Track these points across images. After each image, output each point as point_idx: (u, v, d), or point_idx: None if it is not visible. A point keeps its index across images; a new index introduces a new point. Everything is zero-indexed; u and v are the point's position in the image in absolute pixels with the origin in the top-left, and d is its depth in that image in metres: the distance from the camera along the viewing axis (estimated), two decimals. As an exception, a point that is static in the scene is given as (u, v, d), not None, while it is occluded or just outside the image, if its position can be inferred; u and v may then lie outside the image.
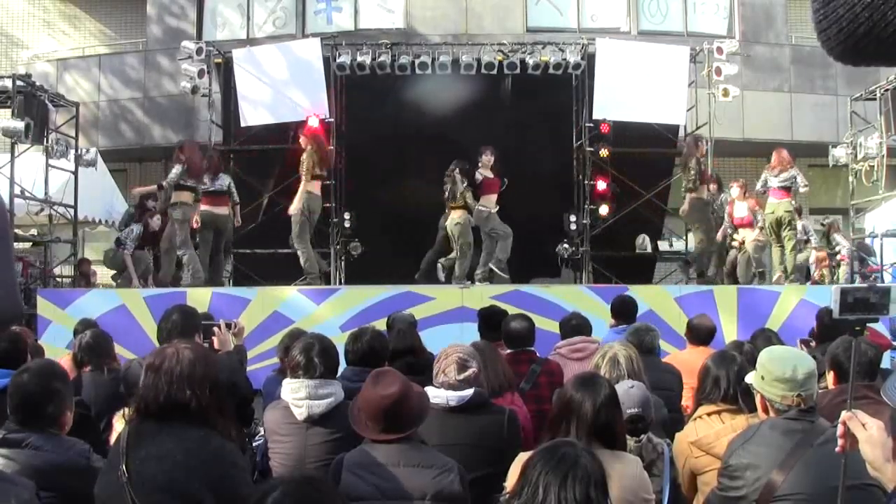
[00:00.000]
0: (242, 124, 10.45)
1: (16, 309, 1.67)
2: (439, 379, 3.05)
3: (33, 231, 10.66)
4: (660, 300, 7.73)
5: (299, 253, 8.63)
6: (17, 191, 9.06)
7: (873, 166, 10.13)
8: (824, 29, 0.89)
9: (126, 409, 2.52)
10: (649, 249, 11.77)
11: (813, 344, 4.94)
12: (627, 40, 11.87)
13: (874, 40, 0.85)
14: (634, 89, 10.29)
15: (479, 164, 9.02)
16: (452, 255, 9.10)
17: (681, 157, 9.64)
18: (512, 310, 5.10)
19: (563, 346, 4.54)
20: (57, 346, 6.60)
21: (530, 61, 10.72)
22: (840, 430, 1.75)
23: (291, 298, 7.90)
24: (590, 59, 10.64)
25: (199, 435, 2.14)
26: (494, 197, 9.02)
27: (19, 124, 8.71)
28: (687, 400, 4.01)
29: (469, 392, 2.99)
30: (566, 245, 10.92)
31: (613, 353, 3.28)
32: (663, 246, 12.19)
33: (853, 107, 10.83)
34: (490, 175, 9.04)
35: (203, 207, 8.67)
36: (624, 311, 5.26)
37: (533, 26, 12.98)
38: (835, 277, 10.47)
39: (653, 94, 10.34)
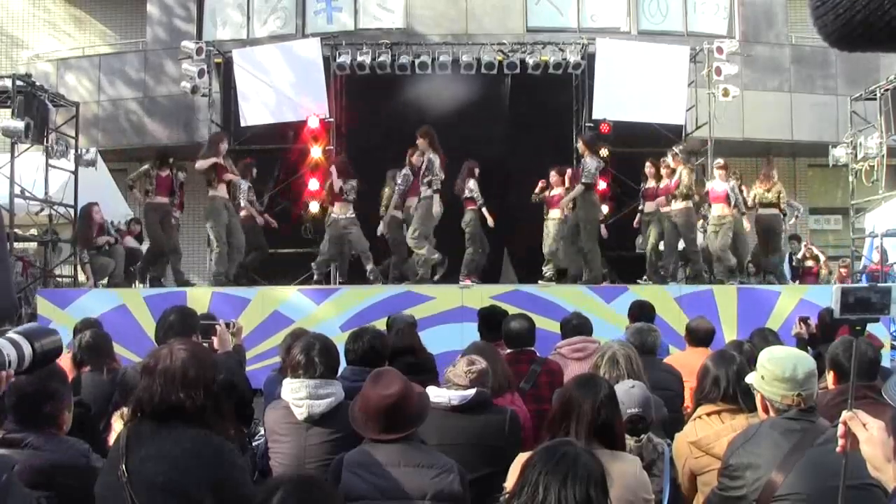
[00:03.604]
0: (242, 124, 10.46)
1: (9, 306, 1.70)
2: (448, 376, 3.06)
3: (33, 231, 10.66)
4: (660, 300, 7.72)
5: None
6: (17, 191, 9.06)
7: (873, 166, 10.14)
8: (821, 15, 0.89)
9: (125, 409, 2.52)
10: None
11: (811, 322, 4.98)
12: (627, 40, 11.87)
13: (870, 28, 0.85)
14: (634, 89, 10.30)
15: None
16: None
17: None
18: (512, 310, 5.11)
19: (563, 346, 4.54)
20: (57, 345, 6.58)
21: (530, 61, 10.74)
22: (841, 429, 1.75)
23: (291, 298, 7.90)
24: (590, 59, 10.65)
25: (198, 435, 2.13)
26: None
27: (19, 124, 8.72)
28: (687, 400, 4.01)
29: (471, 392, 2.99)
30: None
31: (612, 353, 3.28)
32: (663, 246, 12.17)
33: (853, 107, 10.84)
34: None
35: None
36: (643, 315, 5.26)
37: (533, 26, 12.97)
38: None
39: (653, 93, 10.35)
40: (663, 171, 9.11)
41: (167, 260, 9.09)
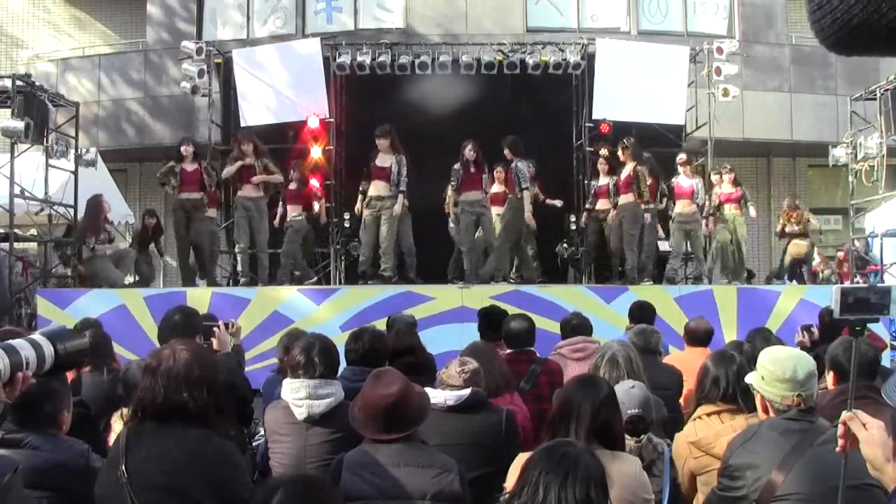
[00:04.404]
0: (242, 124, 10.46)
1: (4, 304, 1.71)
2: (442, 377, 3.06)
3: (33, 231, 10.64)
4: (660, 300, 7.71)
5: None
6: (17, 191, 9.05)
7: (873, 166, 10.14)
8: (818, 19, 0.89)
9: (125, 410, 2.51)
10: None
11: (814, 330, 4.95)
12: (627, 40, 11.89)
13: (867, 32, 0.85)
14: (634, 89, 10.30)
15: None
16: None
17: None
18: (512, 310, 5.11)
19: (563, 346, 4.54)
20: (57, 346, 6.57)
21: (530, 61, 10.75)
22: (840, 430, 1.75)
23: (291, 298, 7.90)
24: (590, 59, 10.66)
25: (199, 435, 2.14)
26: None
27: (19, 124, 8.71)
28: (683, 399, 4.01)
29: (466, 392, 2.99)
30: (566, 245, 10.92)
31: (612, 354, 3.28)
32: (663, 246, 12.15)
33: (853, 107, 10.83)
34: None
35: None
36: (643, 316, 5.25)
37: (533, 26, 12.98)
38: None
39: (653, 93, 10.35)
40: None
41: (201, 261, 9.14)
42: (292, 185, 9.03)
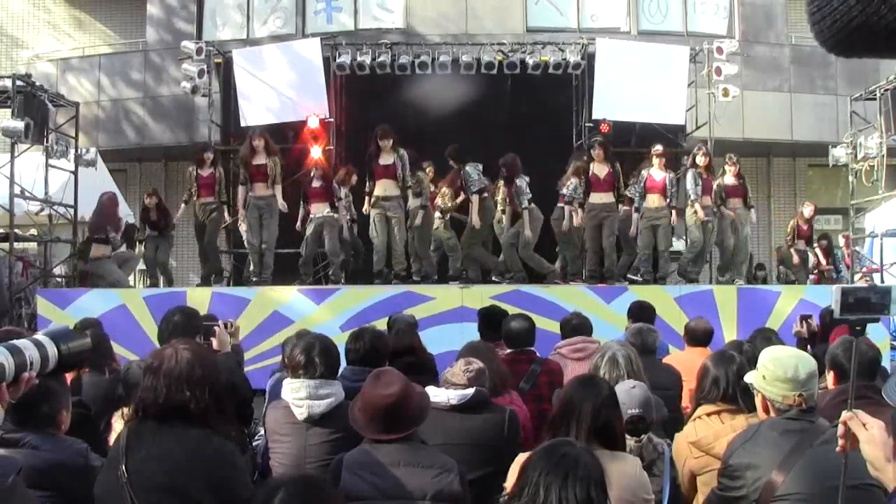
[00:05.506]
0: (242, 124, 10.46)
1: (2, 305, 1.72)
2: (446, 376, 3.07)
3: (33, 231, 10.64)
4: (660, 300, 7.70)
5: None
6: (17, 191, 9.05)
7: (873, 166, 10.15)
8: (818, 21, 0.89)
9: (125, 409, 2.51)
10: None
11: (812, 321, 4.97)
12: (627, 40, 11.89)
13: (867, 34, 0.85)
14: (634, 89, 10.30)
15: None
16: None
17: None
18: (512, 310, 5.11)
19: (563, 346, 4.54)
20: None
21: (530, 61, 10.75)
22: (841, 429, 1.75)
23: (291, 299, 7.90)
24: (590, 58, 10.66)
25: (199, 435, 2.14)
26: None
27: (19, 124, 8.71)
28: (685, 400, 4.01)
29: (470, 391, 2.99)
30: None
31: (613, 354, 3.28)
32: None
33: (853, 107, 10.83)
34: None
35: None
36: (643, 316, 5.24)
37: (533, 26, 12.99)
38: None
39: (653, 93, 10.35)
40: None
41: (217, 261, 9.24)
42: (315, 183, 8.64)
